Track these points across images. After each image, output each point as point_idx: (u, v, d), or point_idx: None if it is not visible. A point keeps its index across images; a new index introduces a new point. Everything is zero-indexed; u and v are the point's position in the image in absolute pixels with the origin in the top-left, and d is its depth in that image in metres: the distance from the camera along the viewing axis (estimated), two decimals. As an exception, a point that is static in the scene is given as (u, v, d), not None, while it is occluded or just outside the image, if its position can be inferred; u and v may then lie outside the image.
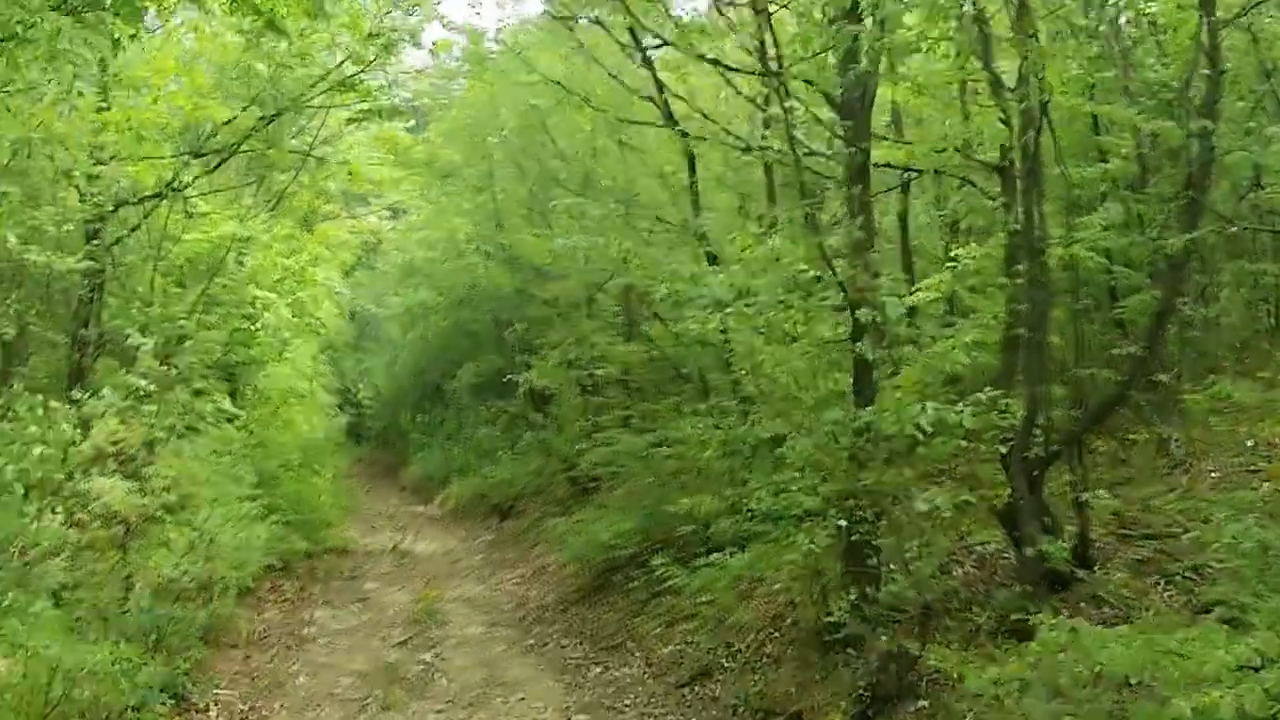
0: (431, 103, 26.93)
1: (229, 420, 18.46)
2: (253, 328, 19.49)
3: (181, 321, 15.67)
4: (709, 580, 11.30)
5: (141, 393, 13.96)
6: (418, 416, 34.44)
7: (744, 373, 11.11)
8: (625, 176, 18.78)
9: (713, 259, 13.46)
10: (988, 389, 8.86)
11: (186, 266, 19.85)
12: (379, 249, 36.23)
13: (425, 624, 15.82)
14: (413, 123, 24.55)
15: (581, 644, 14.47)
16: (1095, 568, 9.92)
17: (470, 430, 29.28)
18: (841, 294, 9.69)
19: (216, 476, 15.13)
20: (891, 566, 9.36)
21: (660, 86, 13.98)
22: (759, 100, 12.63)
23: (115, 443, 13.32)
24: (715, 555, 11.71)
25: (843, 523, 9.18)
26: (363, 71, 16.79)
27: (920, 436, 8.48)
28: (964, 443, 9.41)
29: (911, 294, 11.54)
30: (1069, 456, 9.92)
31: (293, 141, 21.51)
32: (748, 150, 12.00)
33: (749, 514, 11.39)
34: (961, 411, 8.50)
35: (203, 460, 14.91)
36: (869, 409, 9.02)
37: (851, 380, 10.22)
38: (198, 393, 16.88)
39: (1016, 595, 9.40)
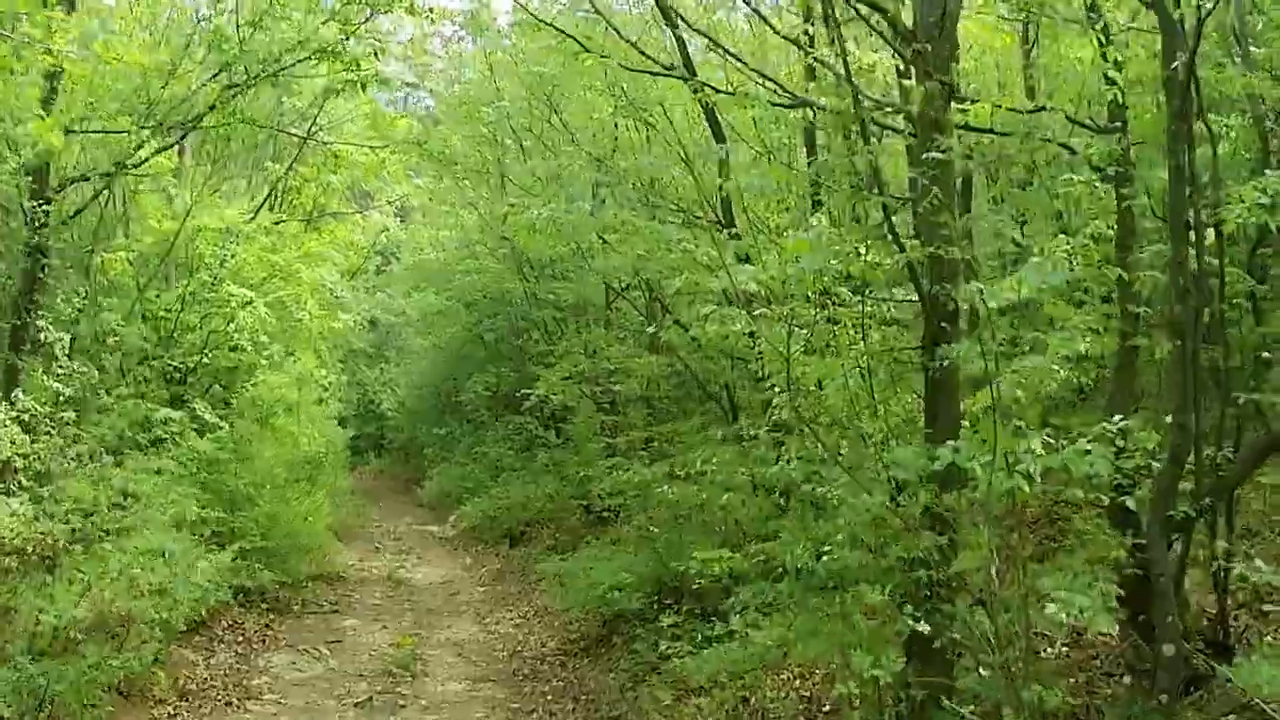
0: (443, 91, 24.14)
1: (207, 431, 15.98)
2: (230, 328, 16.85)
3: (107, 314, 12.88)
4: (727, 661, 8.48)
5: (61, 398, 11.37)
6: (435, 429, 31.70)
7: (777, 390, 8.21)
8: (649, 164, 15.94)
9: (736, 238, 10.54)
10: (1118, 419, 6.01)
11: (163, 259, 17.34)
12: (396, 252, 33.67)
13: (399, 676, 13.10)
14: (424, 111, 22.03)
15: (575, 712, 11.73)
16: (1236, 658, 7.09)
17: (488, 447, 26.55)
18: (911, 281, 6.91)
19: (157, 497, 12.49)
20: (981, 673, 6.44)
21: (669, 15, 11.00)
22: (802, 39, 9.80)
23: (23, 455, 10.76)
24: (738, 616, 8.99)
25: (922, 626, 6.25)
26: (348, 37, 14.07)
27: (1026, 488, 5.60)
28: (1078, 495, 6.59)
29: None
30: (1215, 512, 7.09)
31: (291, 127, 19.06)
32: (792, 106, 9.09)
33: (780, 572, 8.60)
34: (1088, 453, 5.61)
35: (139, 478, 12.27)
36: (950, 446, 6.03)
37: (924, 403, 7.43)
38: (143, 398, 14.31)
39: (1135, 696, 6.66)
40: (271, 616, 15.54)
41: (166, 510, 12.40)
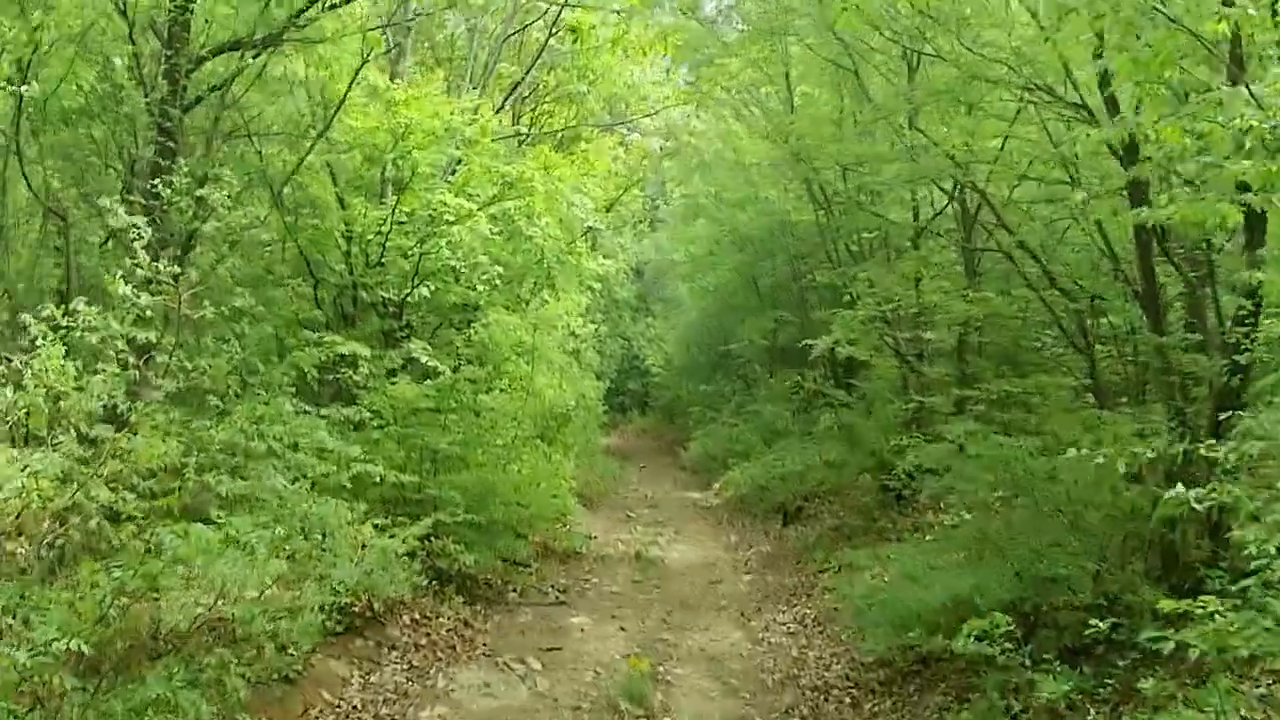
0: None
1: (429, 377, 12.30)
2: (444, 248, 13.05)
3: (217, 197, 8.95)
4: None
5: (138, 313, 7.51)
6: (701, 386, 27.68)
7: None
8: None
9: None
10: None
11: (362, 163, 13.74)
12: (664, 196, 29.65)
13: (627, 715, 8.90)
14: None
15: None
16: None
17: (760, 406, 22.35)
18: None
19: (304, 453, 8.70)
20: None
21: None
22: None
23: (75, 389, 7.02)
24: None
25: None
26: None
27: None
28: None
29: None
30: None
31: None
32: None
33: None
34: None
35: (274, 427, 8.46)
36: None
37: None
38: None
39: None
40: (473, 610, 11.65)
41: (305, 473, 8.57)
